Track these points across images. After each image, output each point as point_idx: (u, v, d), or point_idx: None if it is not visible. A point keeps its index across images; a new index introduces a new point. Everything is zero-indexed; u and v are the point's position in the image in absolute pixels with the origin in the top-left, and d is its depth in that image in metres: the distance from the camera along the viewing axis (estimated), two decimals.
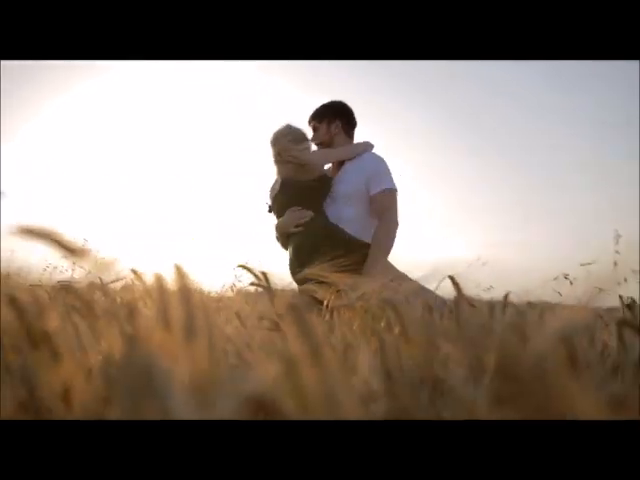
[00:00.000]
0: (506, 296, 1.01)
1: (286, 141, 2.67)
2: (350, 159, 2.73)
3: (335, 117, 2.78)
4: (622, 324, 0.71)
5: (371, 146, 2.80)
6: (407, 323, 0.68)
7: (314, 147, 2.81)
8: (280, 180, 2.71)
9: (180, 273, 0.48)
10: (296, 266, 2.55)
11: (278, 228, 2.70)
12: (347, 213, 2.61)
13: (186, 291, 0.47)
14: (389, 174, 2.68)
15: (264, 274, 0.97)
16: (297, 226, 2.57)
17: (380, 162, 2.72)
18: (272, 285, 0.95)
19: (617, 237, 3.29)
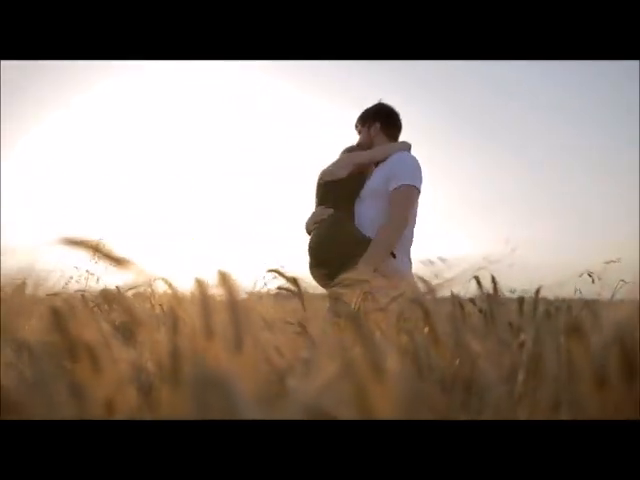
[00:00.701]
0: (537, 291, 1.00)
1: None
2: (383, 160, 2.71)
3: (374, 119, 2.81)
4: None
5: (408, 145, 2.77)
6: (436, 323, 0.67)
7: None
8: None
9: (225, 279, 0.47)
10: (311, 265, 2.58)
11: (305, 226, 2.75)
12: (370, 212, 2.62)
13: (233, 298, 0.46)
14: (412, 172, 2.62)
15: (294, 279, 0.96)
16: (315, 223, 2.63)
17: (406, 160, 2.66)
18: (302, 290, 0.94)
19: None
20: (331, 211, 2.61)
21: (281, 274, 0.98)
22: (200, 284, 0.48)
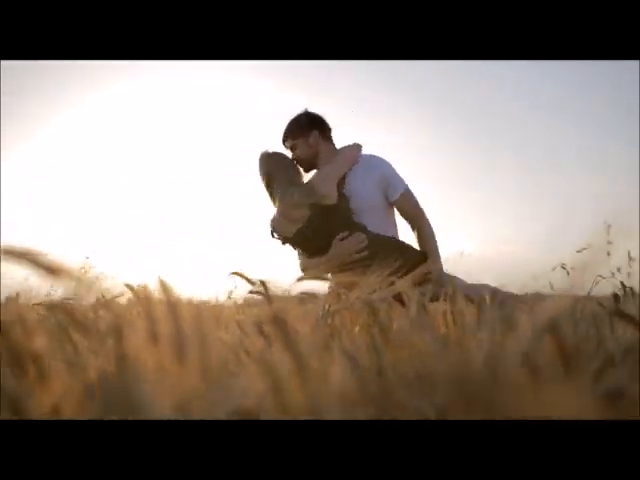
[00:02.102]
0: (494, 291, 1.00)
1: (295, 196, 2.47)
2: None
3: (310, 129, 2.66)
4: (615, 313, 0.70)
5: (360, 147, 2.72)
6: (386, 323, 0.67)
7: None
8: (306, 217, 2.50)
9: (164, 286, 0.47)
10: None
11: (331, 260, 2.46)
12: (372, 225, 2.54)
13: (172, 303, 0.46)
14: (397, 173, 2.64)
15: (262, 282, 0.97)
16: (359, 251, 2.41)
17: (384, 164, 2.65)
18: (271, 292, 0.95)
19: (608, 227, 3.39)
20: (364, 237, 2.43)
21: (244, 277, 0.98)
22: (144, 290, 0.49)
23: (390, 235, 2.61)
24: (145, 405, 0.35)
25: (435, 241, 2.57)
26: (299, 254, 2.61)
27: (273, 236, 2.56)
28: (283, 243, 2.57)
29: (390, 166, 2.65)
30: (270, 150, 2.65)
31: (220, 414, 0.38)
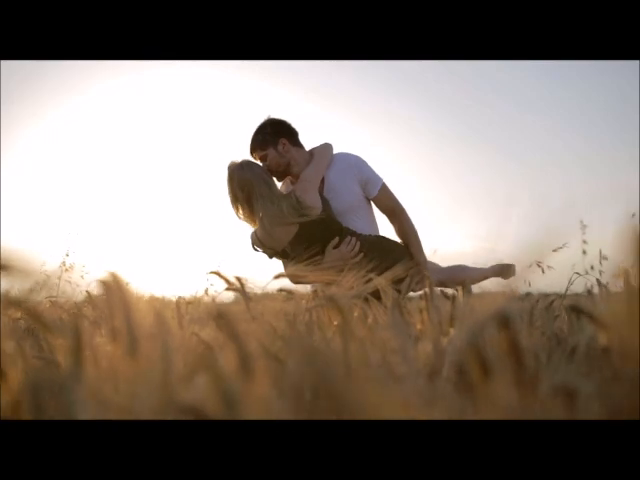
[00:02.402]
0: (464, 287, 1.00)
1: (278, 209, 2.37)
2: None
3: (278, 137, 2.58)
4: (573, 310, 0.70)
5: (331, 146, 2.69)
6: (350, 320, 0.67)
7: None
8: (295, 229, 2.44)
9: (116, 280, 0.47)
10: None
11: (327, 269, 2.42)
12: (359, 224, 2.56)
13: (124, 298, 0.46)
14: (372, 168, 2.63)
15: (239, 279, 0.97)
16: (353, 256, 2.39)
17: (360, 161, 2.64)
18: (248, 290, 0.95)
19: (583, 227, 3.55)
20: (354, 240, 2.40)
21: (220, 276, 0.98)
22: (105, 284, 0.49)
23: (374, 232, 2.62)
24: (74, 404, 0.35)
25: (417, 234, 2.58)
26: (285, 263, 2.55)
27: (257, 250, 2.48)
28: (270, 257, 2.50)
29: (365, 162, 2.64)
30: (242, 160, 2.51)
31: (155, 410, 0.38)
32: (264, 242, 2.40)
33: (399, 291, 1.06)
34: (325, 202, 2.46)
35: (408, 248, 2.53)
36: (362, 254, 2.37)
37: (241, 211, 2.45)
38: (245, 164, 2.47)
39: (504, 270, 2.85)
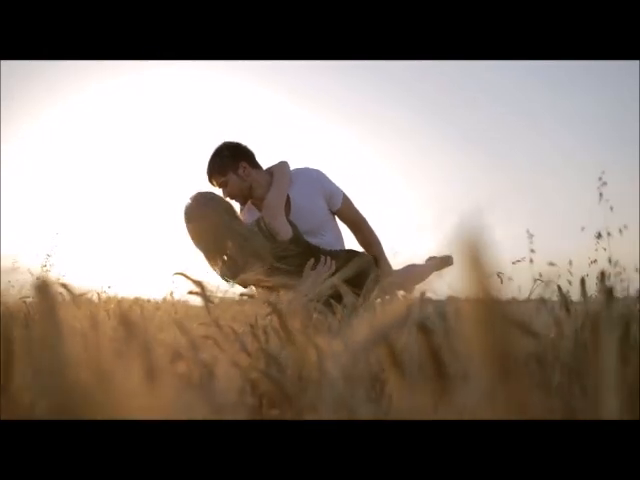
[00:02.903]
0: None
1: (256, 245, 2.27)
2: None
3: (237, 161, 2.49)
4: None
5: (287, 163, 2.63)
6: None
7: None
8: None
9: (44, 284, 0.48)
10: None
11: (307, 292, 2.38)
12: (327, 238, 2.54)
13: (49, 306, 0.47)
14: (329, 179, 2.60)
15: (199, 282, 0.97)
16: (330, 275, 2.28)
17: (321, 175, 2.60)
18: (209, 294, 0.96)
19: (530, 236, 3.73)
20: (329, 260, 2.33)
21: (186, 277, 0.98)
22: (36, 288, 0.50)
23: (342, 245, 2.61)
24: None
25: (380, 243, 2.61)
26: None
27: (229, 282, 2.34)
28: (245, 287, 2.33)
29: (326, 175, 2.61)
30: (197, 195, 2.35)
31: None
32: (235, 278, 2.24)
33: (358, 294, 1.08)
34: (292, 224, 2.39)
35: (374, 257, 2.53)
36: (337, 271, 2.28)
37: (205, 254, 2.30)
38: (203, 200, 2.32)
39: (443, 262, 2.92)
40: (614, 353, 0.38)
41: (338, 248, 2.54)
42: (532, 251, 3.56)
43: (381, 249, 2.60)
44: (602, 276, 0.76)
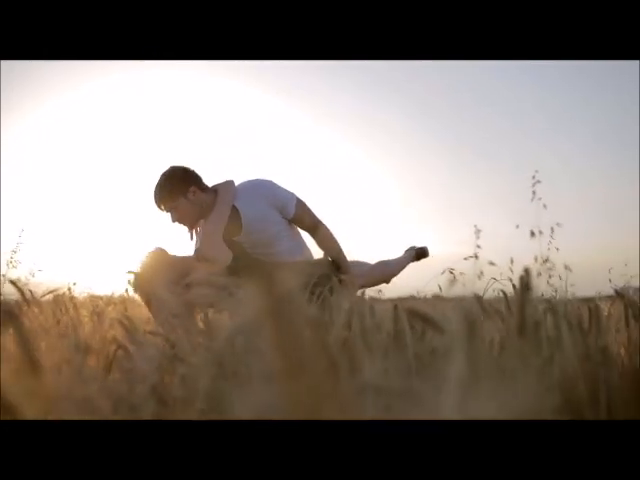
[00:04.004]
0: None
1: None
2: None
3: (186, 186, 2.49)
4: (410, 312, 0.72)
5: (232, 182, 2.62)
6: None
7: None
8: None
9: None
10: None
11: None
12: (284, 246, 2.56)
13: None
14: (280, 187, 2.58)
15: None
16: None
17: (269, 185, 2.59)
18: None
19: (477, 232, 3.64)
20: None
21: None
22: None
23: (301, 251, 2.61)
24: None
25: (340, 246, 2.60)
26: None
27: None
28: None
29: (274, 183, 2.59)
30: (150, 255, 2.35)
31: None
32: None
33: (313, 293, 1.10)
34: (236, 244, 2.41)
35: (336, 262, 2.56)
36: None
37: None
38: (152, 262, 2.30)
39: (419, 254, 3.01)
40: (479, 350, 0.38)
41: (297, 255, 2.55)
42: (478, 247, 3.58)
43: (338, 251, 2.59)
44: (526, 273, 0.76)
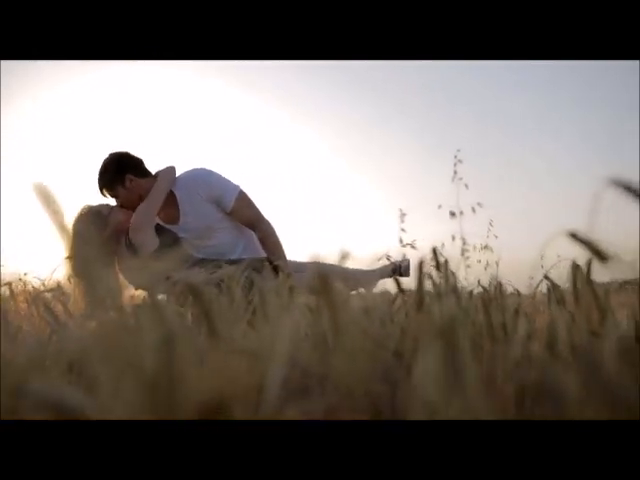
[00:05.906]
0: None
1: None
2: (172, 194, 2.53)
3: (122, 174, 2.50)
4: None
5: (173, 168, 2.59)
6: None
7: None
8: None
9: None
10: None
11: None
12: (224, 241, 2.53)
13: None
14: (223, 179, 2.54)
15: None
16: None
17: (206, 177, 2.54)
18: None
19: (402, 215, 3.81)
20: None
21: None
22: None
23: (239, 245, 2.57)
24: None
25: (279, 241, 2.53)
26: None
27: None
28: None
29: (212, 175, 2.54)
30: (85, 211, 2.41)
31: None
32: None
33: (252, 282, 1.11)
34: (168, 232, 2.42)
35: (271, 258, 2.46)
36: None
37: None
38: (85, 218, 2.38)
39: (397, 269, 2.68)
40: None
41: (235, 249, 2.52)
42: (403, 230, 3.69)
43: (278, 251, 2.51)
44: (434, 254, 0.77)
